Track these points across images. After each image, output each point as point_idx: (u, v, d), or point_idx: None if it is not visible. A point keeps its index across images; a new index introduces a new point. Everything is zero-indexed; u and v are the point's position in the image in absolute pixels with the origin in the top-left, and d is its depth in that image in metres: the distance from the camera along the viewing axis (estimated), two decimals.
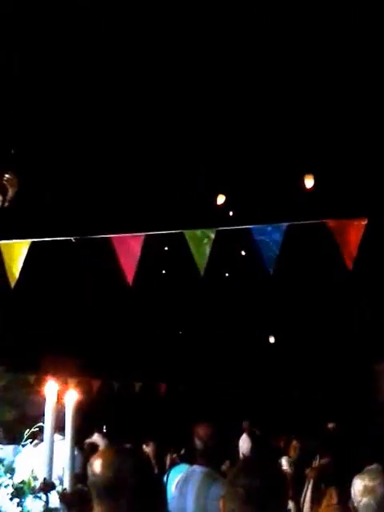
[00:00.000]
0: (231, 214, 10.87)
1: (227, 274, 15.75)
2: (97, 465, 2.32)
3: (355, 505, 2.58)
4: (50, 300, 12.54)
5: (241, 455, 6.16)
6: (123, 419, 10.20)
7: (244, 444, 6.68)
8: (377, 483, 2.55)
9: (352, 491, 2.61)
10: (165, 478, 4.54)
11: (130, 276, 4.13)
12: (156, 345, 15.87)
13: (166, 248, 13.20)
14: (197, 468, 3.25)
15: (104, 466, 2.29)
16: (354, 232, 3.67)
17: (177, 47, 7.72)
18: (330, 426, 5.73)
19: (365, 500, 2.53)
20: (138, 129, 9.43)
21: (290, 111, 8.90)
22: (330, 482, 4.13)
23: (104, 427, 6.82)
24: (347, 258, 3.65)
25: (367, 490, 2.54)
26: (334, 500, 3.86)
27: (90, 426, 6.59)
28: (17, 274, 4.45)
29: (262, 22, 7.31)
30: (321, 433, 5.64)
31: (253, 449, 5.89)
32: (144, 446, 5.78)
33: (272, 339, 17.66)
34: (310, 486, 4.86)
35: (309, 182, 9.28)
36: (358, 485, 2.58)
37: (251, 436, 6.79)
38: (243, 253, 14.19)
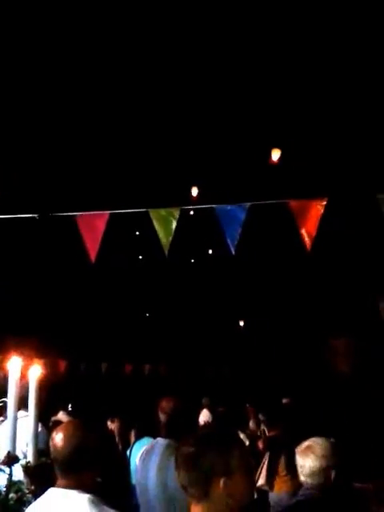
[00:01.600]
0: (192, 213, 11.00)
1: (192, 260, 15.99)
2: (58, 438, 2.36)
3: (299, 469, 2.73)
4: (14, 279, 12.39)
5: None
6: (89, 398, 10.26)
7: (204, 419, 6.85)
8: (314, 443, 2.72)
9: (296, 457, 2.76)
10: (128, 452, 4.63)
11: (92, 254, 4.13)
12: (124, 326, 16.00)
13: (137, 232, 13.25)
14: (160, 440, 3.34)
15: (65, 439, 2.33)
16: (314, 211, 3.78)
17: (137, 25, 7.61)
18: (284, 401, 5.94)
19: (301, 460, 2.70)
20: (105, 108, 9.31)
21: (252, 93, 8.94)
22: (280, 454, 4.31)
23: (69, 406, 6.88)
24: (306, 236, 3.76)
25: (305, 452, 2.71)
26: (284, 471, 4.03)
27: (57, 404, 6.64)
28: None
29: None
30: (275, 408, 5.86)
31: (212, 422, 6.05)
32: (109, 423, 5.87)
33: (241, 323, 18.05)
34: (266, 459, 5.06)
35: (275, 155, 9.41)
36: (299, 448, 2.74)
37: (211, 411, 6.98)
38: (210, 252, 14.46)
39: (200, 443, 1.83)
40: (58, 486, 2.32)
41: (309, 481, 2.67)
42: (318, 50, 8.00)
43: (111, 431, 5.46)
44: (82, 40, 7.87)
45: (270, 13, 7.46)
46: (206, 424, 3.10)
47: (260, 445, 5.02)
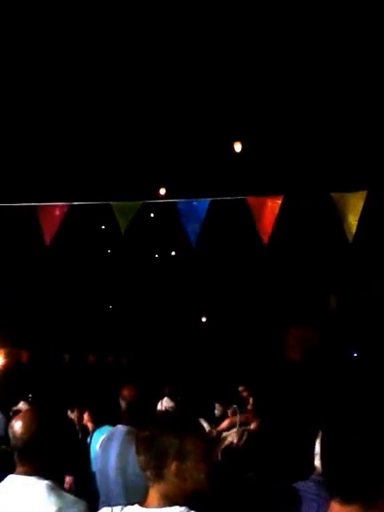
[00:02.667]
0: (152, 215, 11.14)
1: (156, 255, 16.12)
2: (17, 426, 2.40)
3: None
4: None
5: None
6: (50, 388, 10.25)
7: (165, 406, 6.98)
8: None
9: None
10: (89, 439, 4.70)
11: (47, 240, 4.11)
12: (87, 318, 16.02)
13: (103, 226, 13.26)
14: (120, 427, 3.38)
15: (23, 426, 2.38)
16: (270, 209, 3.92)
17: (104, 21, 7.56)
18: (240, 388, 6.06)
19: (317, 444, 2.82)
20: (74, 103, 9.22)
21: (214, 89, 9.03)
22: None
23: (29, 396, 6.89)
24: (263, 232, 3.91)
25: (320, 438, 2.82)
26: None
27: (18, 394, 6.65)
28: None
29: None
30: (235, 395, 6.02)
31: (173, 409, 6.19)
32: (69, 412, 5.92)
33: (203, 319, 18.31)
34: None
35: (237, 147, 9.55)
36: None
37: (173, 399, 7.12)
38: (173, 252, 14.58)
39: (156, 427, 1.93)
40: (17, 473, 2.35)
41: (316, 465, 2.79)
42: (280, 48, 8.11)
43: (71, 420, 5.52)
44: (56, 39, 7.76)
45: (233, 9, 7.51)
46: (166, 410, 3.20)
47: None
